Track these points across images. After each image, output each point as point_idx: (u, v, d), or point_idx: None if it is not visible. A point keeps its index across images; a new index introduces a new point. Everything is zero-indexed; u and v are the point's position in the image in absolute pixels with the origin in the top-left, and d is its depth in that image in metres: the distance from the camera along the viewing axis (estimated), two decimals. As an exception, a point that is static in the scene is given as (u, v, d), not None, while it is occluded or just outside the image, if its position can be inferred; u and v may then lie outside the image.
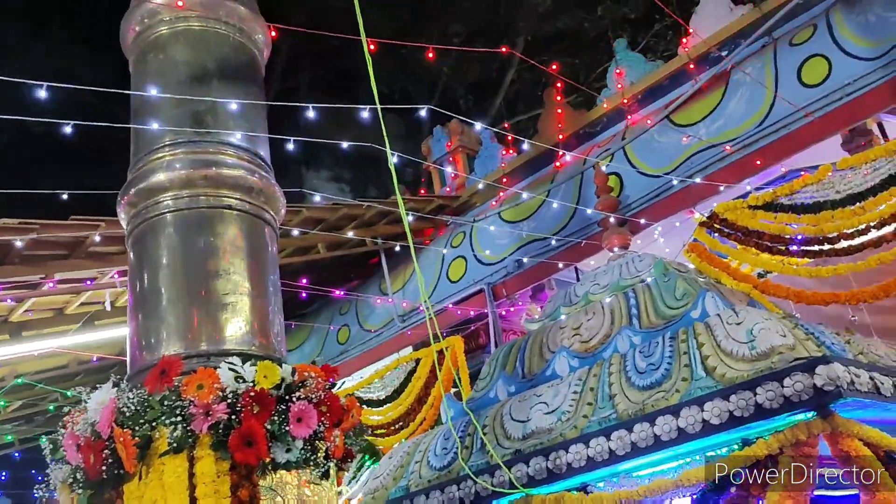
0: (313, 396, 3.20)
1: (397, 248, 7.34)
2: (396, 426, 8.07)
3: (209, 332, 3.40)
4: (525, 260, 7.42)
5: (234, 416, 3.01)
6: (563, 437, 4.51)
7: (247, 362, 3.18)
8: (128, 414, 2.99)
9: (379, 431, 8.35)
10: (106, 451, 2.96)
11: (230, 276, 3.52)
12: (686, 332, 4.60)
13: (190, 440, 2.94)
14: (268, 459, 3.07)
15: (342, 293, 7.77)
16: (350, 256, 8.71)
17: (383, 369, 8.64)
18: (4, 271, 5.50)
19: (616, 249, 6.53)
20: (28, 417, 9.31)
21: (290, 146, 4.55)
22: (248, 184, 3.74)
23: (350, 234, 7.11)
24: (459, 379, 7.22)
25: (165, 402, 2.99)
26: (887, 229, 5.50)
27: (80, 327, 6.91)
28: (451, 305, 7.79)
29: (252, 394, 3.04)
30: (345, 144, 4.57)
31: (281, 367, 3.23)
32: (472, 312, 7.77)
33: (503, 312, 7.89)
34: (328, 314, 9.82)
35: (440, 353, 7.79)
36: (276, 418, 3.07)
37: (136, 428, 2.94)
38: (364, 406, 8.54)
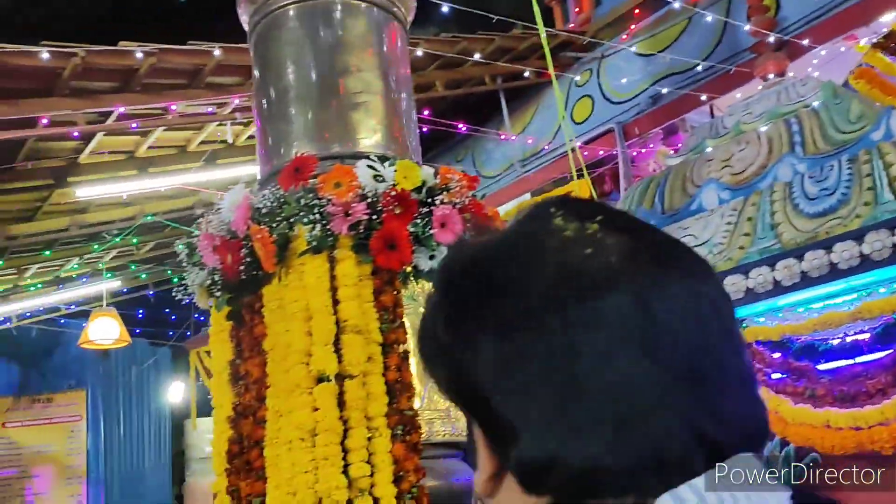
0: (457, 201, 2.90)
1: (525, 73, 6.81)
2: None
3: (341, 134, 3.13)
4: (665, 91, 6.76)
5: (374, 217, 2.75)
6: (716, 270, 4.11)
7: (385, 162, 2.89)
8: (263, 211, 2.78)
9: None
10: (243, 250, 2.77)
11: (361, 73, 3.19)
12: (869, 153, 4.00)
13: (330, 240, 2.71)
14: (409, 266, 2.83)
15: (465, 128, 7.42)
16: (468, 98, 8.26)
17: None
18: (127, 98, 5.38)
19: (771, 77, 5.81)
20: (160, 260, 9.62)
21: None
22: (375, -26, 3.34)
23: (479, 57, 6.59)
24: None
25: (302, 201, 2.75)
26: None
27: (203, 164, 6.86)
28: (579, 143, 7.30)
29: (393, 193, 2.77)
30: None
31: (420, 168, 2.93)
32: (600, 152, 7.26)
33: (634, 154, 7.33)
34: (443, 163, 9.52)
35: (564, 197, 7.39)
36: (418, 221, 2.80)
37: (273, 226, 2.73)
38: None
